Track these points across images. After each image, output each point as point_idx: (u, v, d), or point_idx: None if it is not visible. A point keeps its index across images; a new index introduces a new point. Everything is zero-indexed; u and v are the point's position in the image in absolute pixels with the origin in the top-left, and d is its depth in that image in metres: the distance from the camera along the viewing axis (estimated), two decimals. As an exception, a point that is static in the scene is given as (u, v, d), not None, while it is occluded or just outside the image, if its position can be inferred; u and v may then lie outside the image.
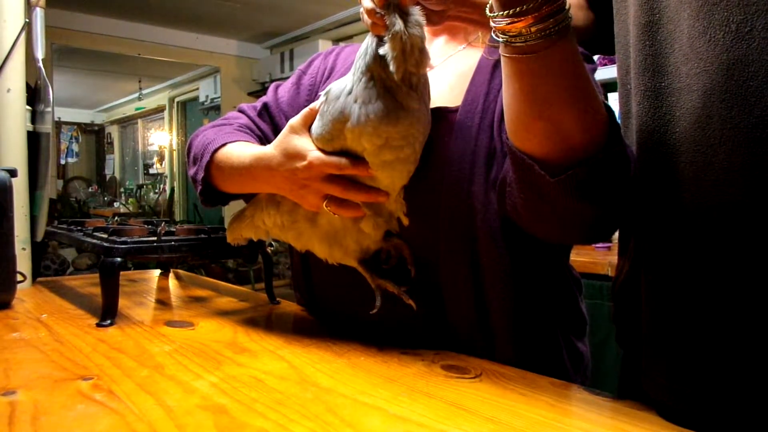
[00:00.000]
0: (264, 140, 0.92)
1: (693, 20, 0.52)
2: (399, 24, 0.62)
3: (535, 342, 0.78)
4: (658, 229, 0.57)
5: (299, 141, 0.73)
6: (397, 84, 0.66)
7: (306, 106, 0.95)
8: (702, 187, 0.52)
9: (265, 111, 0.97)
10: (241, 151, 0.81)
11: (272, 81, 4.56)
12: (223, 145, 0.84)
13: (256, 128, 0.95)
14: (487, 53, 0.82)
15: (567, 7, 0.52)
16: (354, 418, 0.54)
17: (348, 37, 4.24)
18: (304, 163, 0.71)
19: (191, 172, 0.89)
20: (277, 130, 0.94)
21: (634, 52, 0.60)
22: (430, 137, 0.73)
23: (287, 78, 1.01)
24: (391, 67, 0.64)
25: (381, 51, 0.64)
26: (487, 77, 0.78)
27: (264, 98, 0.99)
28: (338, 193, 0.71)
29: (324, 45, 4.14)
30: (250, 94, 4.95)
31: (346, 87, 0.69)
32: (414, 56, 0.64)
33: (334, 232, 0.77)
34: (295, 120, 0.74)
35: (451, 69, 0.85)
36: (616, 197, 0.60)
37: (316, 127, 0.72)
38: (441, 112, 0.77)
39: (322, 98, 0.73)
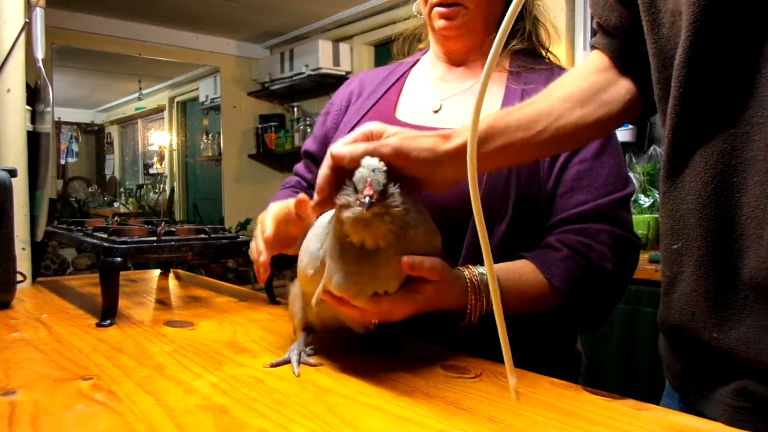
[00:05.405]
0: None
1: None
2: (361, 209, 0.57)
3: (537, 340, 0.78)
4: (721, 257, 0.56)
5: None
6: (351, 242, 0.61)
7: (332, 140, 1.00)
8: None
9: (311, 161, 1.04)
10: None
11: (272, 81, 4.55)
12: None
13: (306, 183, 1.04)
14: (510, 81, 0.85)
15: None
16: (354, 418, 0.54)
17: (348, 37, 4.22)
18: None
19: None
20: None
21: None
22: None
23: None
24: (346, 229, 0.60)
25: (345, 213, 0.59)
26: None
27: (304, 146, 1.08)
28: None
29: (324, 45, 4.13)
30: (249, 94, 4.94)
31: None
32: (365, 235, 0.60)
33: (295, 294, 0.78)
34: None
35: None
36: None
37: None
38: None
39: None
